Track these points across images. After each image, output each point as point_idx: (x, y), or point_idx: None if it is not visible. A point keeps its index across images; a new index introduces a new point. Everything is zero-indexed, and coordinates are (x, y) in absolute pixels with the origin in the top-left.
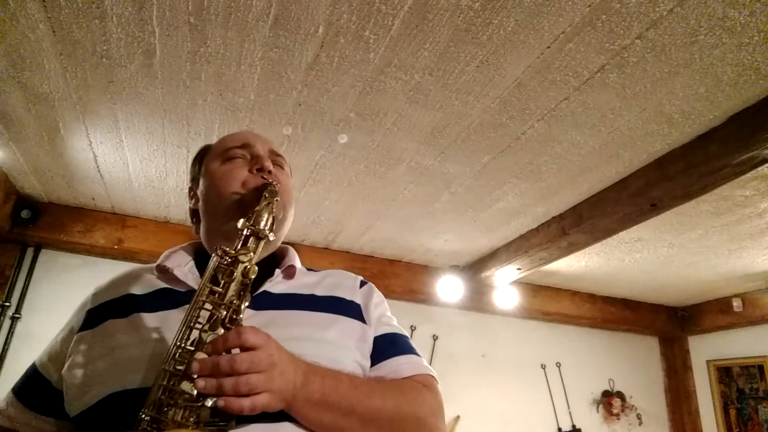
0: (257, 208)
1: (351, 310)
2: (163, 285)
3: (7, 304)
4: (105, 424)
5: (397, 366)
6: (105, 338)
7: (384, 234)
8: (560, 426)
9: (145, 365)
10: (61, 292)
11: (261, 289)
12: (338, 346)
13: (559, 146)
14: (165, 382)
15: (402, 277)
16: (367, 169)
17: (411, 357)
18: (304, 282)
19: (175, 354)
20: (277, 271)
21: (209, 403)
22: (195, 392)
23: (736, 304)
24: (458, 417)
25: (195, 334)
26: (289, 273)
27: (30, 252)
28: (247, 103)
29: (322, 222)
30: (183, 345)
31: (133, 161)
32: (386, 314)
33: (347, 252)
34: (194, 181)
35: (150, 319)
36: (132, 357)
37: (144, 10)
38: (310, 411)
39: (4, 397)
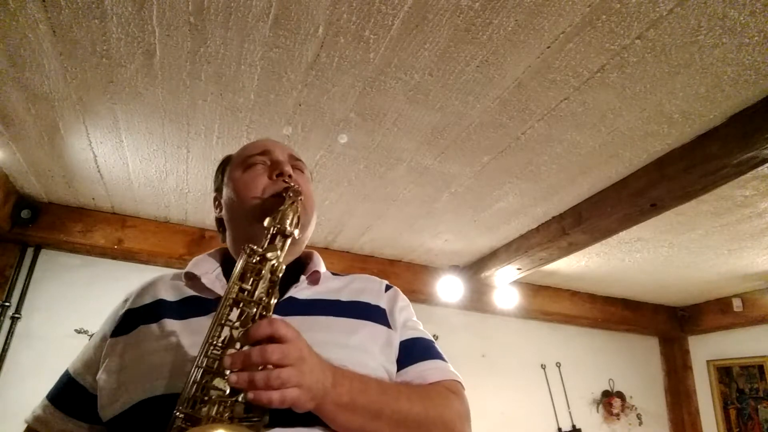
0: (282, 207)
1: (376, 314)
2: (191, 293)
3: (7, 304)
4: (136, 430)
5: (423, 371)
6: (136, 344)
7: (384, 234)
8: (560, 426)
9: (171, 371)
10: (61, 292)
11: (287, 295)
12: (364, 351)
13: (559, 146)
14: (198, 379)
15: (402, 277)
16: (367, 169)
17: (437, 362)
18: (329, 287)
19: (207, 351)
20: (303, 277)
21: (240, 398)
22: (228, 388)
23: (736, 304)
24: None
25: (226, 331)
26: (314, 278)
27: (30, 252)
28: (247, 103)
29: (322, 222)
30: (214, 342)
31: (133, 161)
32: (412, 319)
33: (347, 252)
34: (218, 190)
35: (179, 325)
36: (160, 363)
37: (144, 10)
38: (339, 413)
39: (39, 404)
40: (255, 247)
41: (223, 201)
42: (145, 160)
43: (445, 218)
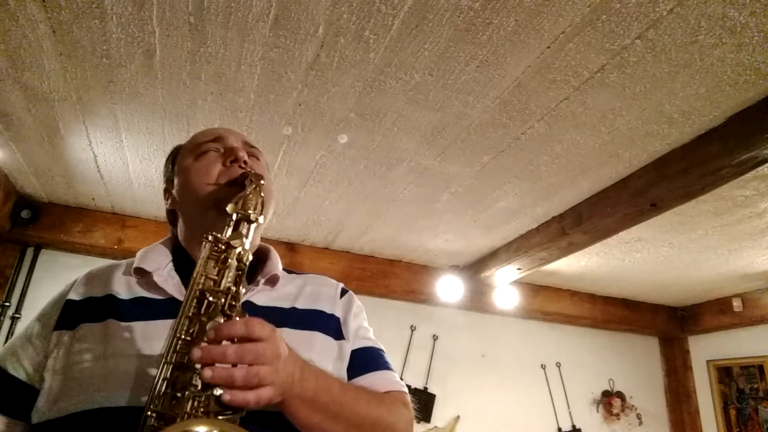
0: (243, 192)
1: (329, 325)
2: (142, 292)
3: (7, 304)
4: None
5: (373, 381)
6: (78, 345)
7: (384, 234)
8: (560, 426)
9: (122, 382)
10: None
11: (243, 299)
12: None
13: (559, 146)
14: (168, 376)
15: (402, 277)
16: (367, 169)
17: (386, 373)
18: (285, 292)
19: (175, 346)
20: (261, 280)
21: (217, 392)
22: (200, 383)
23: (736, 304)
24: (458, 417)
25: (192, 326)
26: (272, 280)
27: (30, 252)
28: (247, 103)
29: (322, 222)
30: (182, 336)
31: (133, 161)
32: (363, 325)
33: (347, 252)
34: (169, 181)
35: (126, 330)
36: (109, 372)
37: (144, 10)
38: (301, 408)
39: None
40: (219, 235)
41: (174, 191)
42: (145, 160)
43: (445, 218)
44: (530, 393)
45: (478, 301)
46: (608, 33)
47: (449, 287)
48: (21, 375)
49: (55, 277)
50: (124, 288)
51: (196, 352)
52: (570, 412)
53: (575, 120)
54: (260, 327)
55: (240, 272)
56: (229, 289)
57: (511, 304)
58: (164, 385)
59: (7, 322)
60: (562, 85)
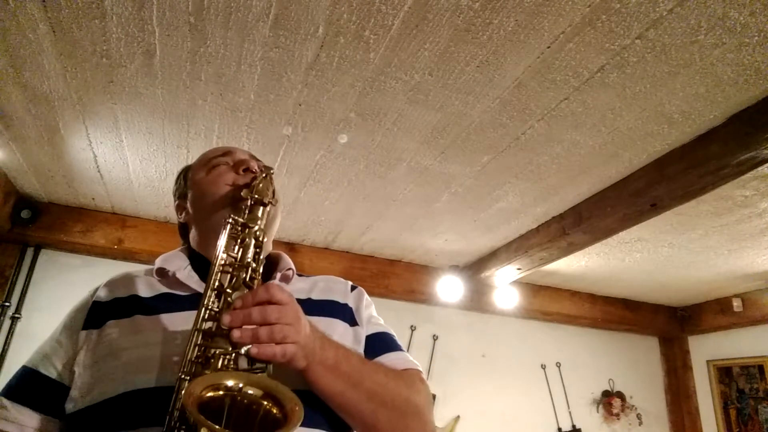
0: (256, 181)
1: (344, 312)
2: (165, 289)
3: (7, 304)
4: (112, 422)
5: (388, 361)
6: (108, 340)
7: (384, 234)
8: (560, 426)
9: (156, 365)
10: (61, 292)
11: (261, 270)
12: None
13: (559, 146)
14: (198, 341)
15: (402, 277)
16: (367, 169)
17: (400, 353)
18: (299, 287)
19: (204, 315)
20: (277, 275)
21: (243, 350)
22: (228, 346)
23: (736, 304)
24: (458, 417)
25: (218, 301)
26: (286, 277)
27: (30, 252)
28: (247, 103)
29: (322, 222)
30: (210, 307)
31: (133, 161)
32: (374, 315)
33: (347, 252)
34: (182, 197)
35: (153, 322)
36: (141, 358)
37: (144, 10)
38: (324, 375)
39: None
40: (237, 217)
41: (188, 203)
42: (145, 160)
43: (445, 218)
44: (530, 393)
45: (478, 301)
46: (608, 33)
47: (449, 287)
48: (52, 374)
49: (55, 277)
50: (146, 288)
51: (226, 318)
52: (570, 412)
53: (575, 120)
54: (280, 291)
55: (258, 249)
56: (248, 263)
57: (511, 304)
58: (195, 350)
59: (7, 322)
60: (562, 85)
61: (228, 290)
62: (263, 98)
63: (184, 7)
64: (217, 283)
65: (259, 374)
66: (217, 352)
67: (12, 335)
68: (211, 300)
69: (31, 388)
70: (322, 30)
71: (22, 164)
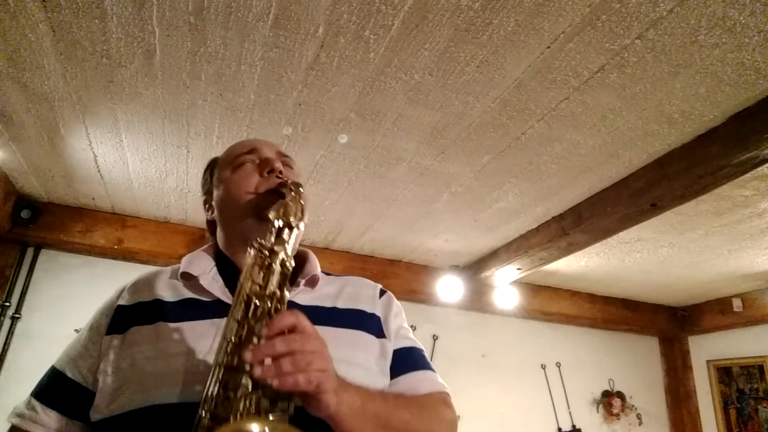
0: (284, 200)
1: (371, 323)
2: (189, 294)
3: (7, 304)
4: None
5: (415, 382)
6: (130, 347)
7: (384, 234)
8: (560, 426)
9: (179, 379)
10: (61, 292)
11: (287, 300)
12: (366, 368)
13: (559, 146)
14: (220, 378)
15: (402, 277)
16: (367, 169)
17: (427, 373)
18: (326, 292)
19: (226, 349)
20: (302, 281)
21: (264, 390)
22: (250, 384)
23: (736, 304)
24: (458, 417)
25: (241, 329)
26: (312, 281)
27: (30, 252)
28: (247, 103)
29: (322, 222)
30: (231, 339)
31: (133, 161)
32: (404, 326)
33: (347, 252)
34: (208, 193)
35: (177, 330)
36: (163, 370)
37: (144, 10)
38: (354, 419)
39: (23, 402)
40: (263, 242)
41: (214, 202)
42: (145, 160)
43: (445, 218)
44: (530, 393)
45: (478, 301)
46: (608, 33)
47: (449, 287)
48: (78, 378)
49: (55, 277)
50: (170, 292)
51: (248, 354)
52: (570, 412)
53: (575, 120)
54: (305, 320)
55: (284, 277)
56: (274, 293)
57: (511, 304)
58: (217, 386)
59: (7, 322)
60: (562, 85)
61: (251, 321)
62: (263, 98)
63: (184, 7)
64: (240, 314)
65: (282, 420)
66: (238, 393)
67: (12, 335)
68: (234, 331)
69: (59, 390)
70: (322, 30)
71: (22, 164)
